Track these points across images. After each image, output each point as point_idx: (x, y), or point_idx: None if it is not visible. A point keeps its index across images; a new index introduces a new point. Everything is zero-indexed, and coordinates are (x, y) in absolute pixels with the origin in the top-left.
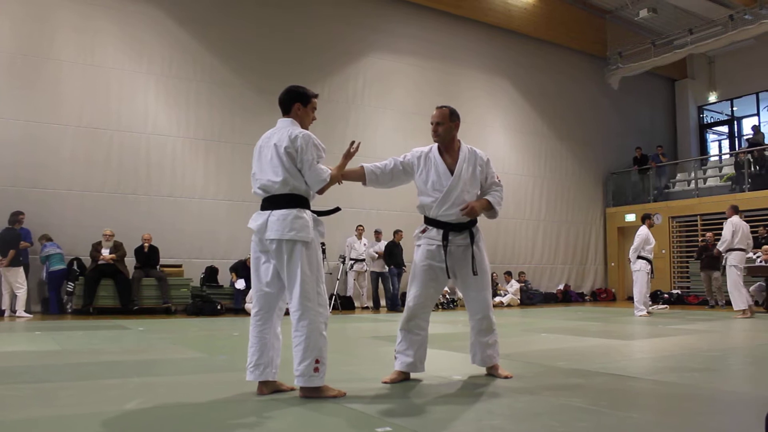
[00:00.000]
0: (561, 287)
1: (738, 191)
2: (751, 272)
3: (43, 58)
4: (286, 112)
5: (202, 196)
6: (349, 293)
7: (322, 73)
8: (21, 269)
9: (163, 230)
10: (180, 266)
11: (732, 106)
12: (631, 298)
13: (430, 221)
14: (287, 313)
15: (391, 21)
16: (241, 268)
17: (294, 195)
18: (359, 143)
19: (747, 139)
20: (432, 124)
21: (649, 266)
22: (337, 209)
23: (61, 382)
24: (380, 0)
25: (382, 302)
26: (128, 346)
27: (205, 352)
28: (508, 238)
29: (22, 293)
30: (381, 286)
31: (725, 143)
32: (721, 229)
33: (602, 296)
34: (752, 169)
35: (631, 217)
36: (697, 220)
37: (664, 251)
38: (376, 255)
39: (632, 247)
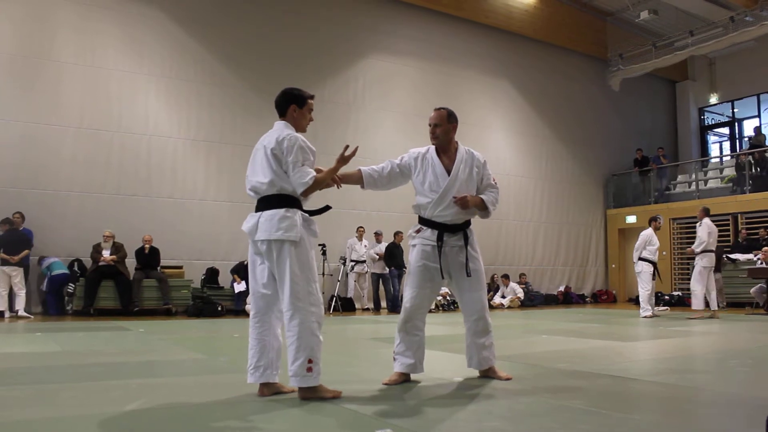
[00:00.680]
0: (562, 289)
1: (739, 193)
2: (752, 274)
3: (44, 59)
4: (282, 114)
5: (203, 198)
6: (350, 295)
7: (323, 75)
8: (22, 270)
9: (163, 231)
10: (181, 267)
11: (733, 108)
12: (631, 300)
13: (424, 221)
14: None
15: (392, 23)
16: (242, 270)
17: (282, 195)
18: (356, 147)
19: (749, 140)
20: (430, 126)
21: (652, 268)
22: (328, 207)
23: (61, 384)
24: (381, 1)
25: (383, 304)
26: (129, 347)
27: (206, 354)
28: (509, 239)
29: (23, 294)
30: (381, 287)
31: (726, 145)
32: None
33: (603, 298)
34: (753, 170)
35: (631, 219)
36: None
37: (665, 253)
38: (377, 256)
39: (635, 248)
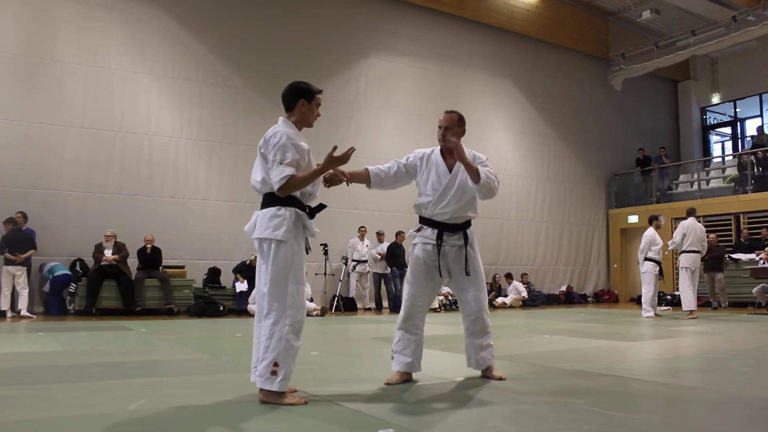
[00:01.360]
0: (564, 289)
1: (741, 193)
2: (754, 274)
3: (46, 59)
4: (289, 108)
5: (205, 197)
6: (352, 294)
7: (324, 74)
8: (26, 270)
9: (165, 231)
10: (182, 267)
11: (735, 108)
12: (633, 300)
13: (425, 221)
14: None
15: (393, 22)
16: (244, 270)
17: (273, 193)
18: (350, 149)
19: (752, 139)
20: (440, 128)
21: (657, 267)
22: (322, 206)
23: (63, 383)
24: (382, 1)
25: (385, 303)
26: (131, 347)
27: (208, 354)
28: (511, 239)
29: (26, 294)
30: (383, 287)
31: (728, 144)
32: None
33: (605, 298)
34: (755, 170)
35: (633, 219)
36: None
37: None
38: (379, 256)
39: (639, 249)
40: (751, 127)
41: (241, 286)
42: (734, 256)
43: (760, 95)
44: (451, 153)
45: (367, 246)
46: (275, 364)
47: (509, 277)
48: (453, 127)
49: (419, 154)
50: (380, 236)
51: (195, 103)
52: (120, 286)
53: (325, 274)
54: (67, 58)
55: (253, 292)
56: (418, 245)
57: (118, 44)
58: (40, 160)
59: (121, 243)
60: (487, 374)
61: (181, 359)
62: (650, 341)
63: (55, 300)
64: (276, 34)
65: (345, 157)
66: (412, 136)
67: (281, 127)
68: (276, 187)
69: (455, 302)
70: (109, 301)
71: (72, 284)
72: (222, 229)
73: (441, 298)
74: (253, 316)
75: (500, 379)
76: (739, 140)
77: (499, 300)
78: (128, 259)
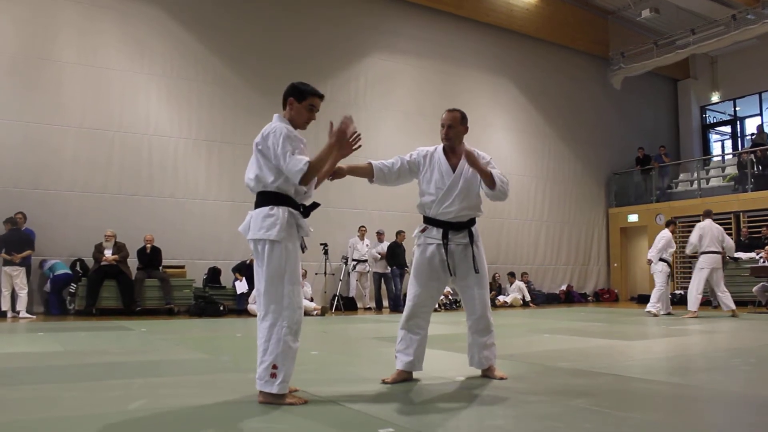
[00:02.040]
0: (564, 288)
1: (741, 191)
2: (755, 272)
3: (45, 59)
4: (284, 107)
5: (204, 197)
6: (352, 294)
7: (324, 74)
8: (24, 270)
9: (165, 231)
10: (182, 267)
11: (735, 106)
12: (633, 299)
13: (429, 220)
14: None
15: (393, 22)
16: (244, 269)
17: (266, 192)
18: (350, 119)
19: (751, 138)
20: (443, 126)
21: (669, 269)
22: (316, 205)
23: (64, 383)
24: (382, 1)
25: (385, 303)
26: (131, 347)
27: (208, 353)
28: (511, 238)
29: (24, 294)
30: (383, 286)
31: (728, 143)
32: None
33: (605, 297)
34: (755, 169)
35: (633, 218)
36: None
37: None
38: (379, 256)
39: (656, 249)
40: (750, 126)
41: (241, 286)
42: (734, 255)
43: (760, 94)
44: (453, 152)
45: (367, 245)
46: (274, 367)
47: (512, 276)
48: (456, 125)
49: (422, 152)
50: (380, 236)
51: (194, 103)
52: (120, 286)
53: (325, 273)
54: (67, 58)
55: (254, 292)
56: (423, 245)
57: (117, 44)
58: (39, 160)
59: (121, 243)
60: (488, 374)
61: (181, 359)
62: (651, 340)
63: (55, 300)
64: (275, 33)
65: (344, 134)
66: (412, 135)
67: (277, 122)
68: (298, 177)
69: (456, 301)
70: (109, 301)
71: (72, 284)
72: (222, 229)
73: (441, 297)
74: (253, 316)
75: (501, 379)
76: (739, 139)
77: (501, 299)
78: (128, 259)
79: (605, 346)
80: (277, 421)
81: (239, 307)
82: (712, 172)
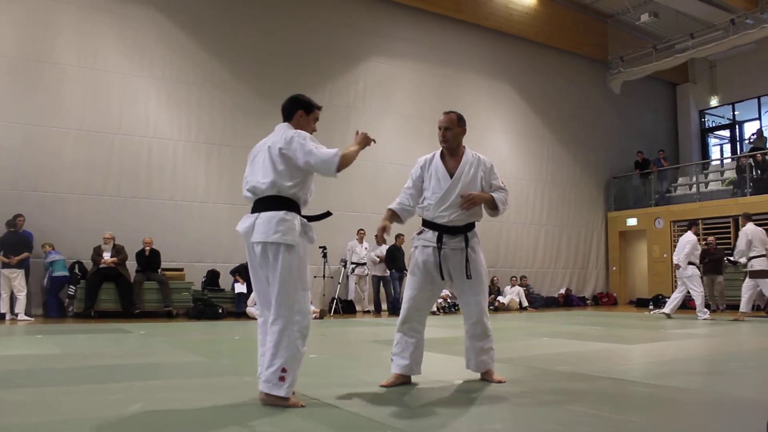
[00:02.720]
0: (562, 291)
1: (740, 195)
2: (753, 276)
3: (45, 62)
4: (288, 118)
5: (204, 200)
6: (351, 297)
7: (323, 77)
8: (23, 272)
9: (164, 234)
10: (181, 270)
11: (733, 111)
12: (632, 302)
13: (426, 223)
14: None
15: (392, 25)
16: (243, 272)
17: (281, 197)
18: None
19: (751, 141)
20: (440, 129)
21: (699, 271)
22: (328, 214)
23: (62, 386)
24: (381, 4)
25: (384, 306)
26: (129, 349)
27: (207, 356)
28: (510, 242)
29: (23, 296)
30: (382, 290)
31: (727, 147)
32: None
33: (604, 300)
34: (754, 173)
35: (632, 221)
36: (698, 225)
37: (665, 255)
38: (378, 259)
39: (684, 253)
40: (749, 130)
41: (240, 288)
42: (733, 258)
43: (759, 98)
44: (452, 155)
45: (365, 249)
46: (283, 370)
47: (513, 278)
48: (453, 127)
49: (420, 162)
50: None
51: (194, 106)
52: (119, 288)
53: (323, 276)
54: (66, 60)
55: (253, 295)
56: (419, 248)
57: (116, 47)
58: (38, 163)
59: (119, 245)
60: (486, 377)
61: (179, 362)
62: (649, 344)
63: (53, 302)
64: (275, 37)
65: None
66: (411, 139)
67: (293, 129)
68: (334, 162)
69: (454, 305)
70: (108, 304)
71: (71, 286)
72: (221, 232)
73: (440, 300)
74: (252, 319)
75: (500, 382)
76: (738, 143)
77: (500, 299)
78: (127, 262)
79: (604, 350)
80: (277, 424)
81: (238, 310)
82: (710, 176)
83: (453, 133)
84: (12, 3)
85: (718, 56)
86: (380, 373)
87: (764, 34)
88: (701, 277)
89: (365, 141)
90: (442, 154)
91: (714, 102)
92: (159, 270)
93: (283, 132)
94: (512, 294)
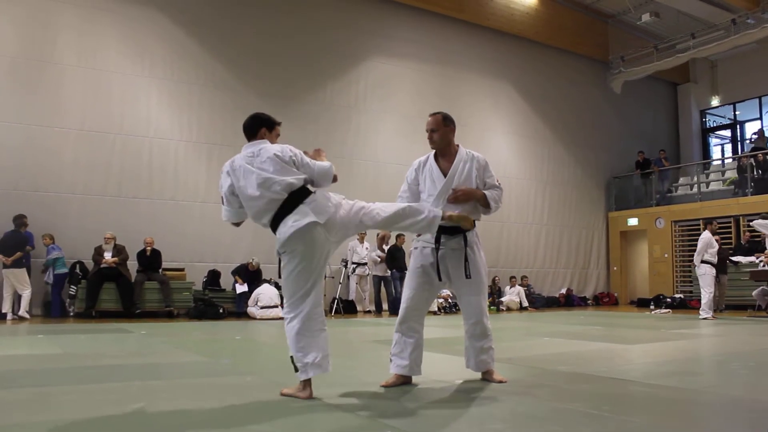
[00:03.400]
0: (563, 291)
1: (741, 195)
2: (754, 276)
3: (46, 62)
4: (252, 135)
5: (205, 200)
6: (352, 297)
7: (324, 77)
8: (25, 270)
9: (165, 234)
10: (182, 270)
11: (735, 110)
12: (633, 302)
13: None
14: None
15: (393, 25)
16: (244, 272)
17: (301, 187)
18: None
19: (752, 141)
20: (427, 131)
21: (714, 270)
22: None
23: (62, 386)
24: (382, 4)
25: (384, 306)
26: (130, 349)
27: (208, 356)
28: (511, 242)
29: (27, 294)
30: (383, 290)
31: (728, 147)
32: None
33: (605, 300)
34: (755, 173)
35: (633, 221)
36: (699, 225)
37: (666, 255)
38: (379, 259)
39: (696, 252)
40: (750, 130)
41: (241, 288)
42: (734, 258)
43: (760, 98)
44: (444, 155)
45: (366, 249)
46: None
47: (513, 278)
48: (439, 128)
49: (415, 164)
50: (380, 239)
51: (194, 106)
52: (119, 288)
53: (325, 276)
54: (67, 60)
55: (253, 295)
56: (417, 248)
57: (117, 47)
58: (39, 163)
59: (120, 245)
60: (487, 377)
61: (180, 362)
62: (649, 344)
63: (57, 301)
64: (276, 37)
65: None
66: (411, 139)
67: (274, 144)
68: (331, 174)
69: (455, 305)
70: (109, 304)
71: (71, 286)
72: (222, 232)
73: (440, 300)
74: (253, 318)
75: (500, 382)
76: (739, 143)
77: (502, 299)
78: (128, 262)
79: (604, 350)
80: (276, 424)
81: (239, 310)
82: (711, 176)
83: (440, 134)
84: (12, 3)
85: (719, 56)
86: (381, 373)
87: (765, 33)
88: (714, 277)
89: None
90: (435, 155)
91: (715, 102)
92: (160, 270)
93: (274, 145)
94: (512, 294)
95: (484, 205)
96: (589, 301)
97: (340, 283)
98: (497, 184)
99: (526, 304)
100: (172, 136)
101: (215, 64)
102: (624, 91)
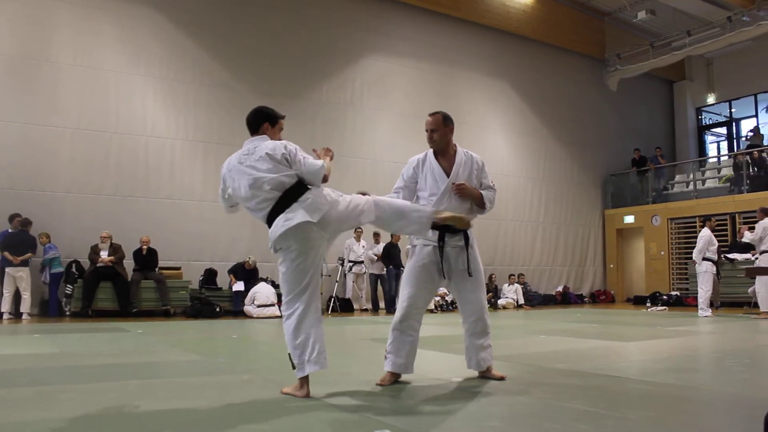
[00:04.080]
0: (560, 289)
1: (736, 193)
2: (750, 273)
3: (42, 60)
4: (255, 131)
5: (201, 198)
6: (348, 295)
7: (320, 75)
8: (28, 270)
9: (161, 232)
10: (179, 268)
11: (730, 108)
12: (630, 300)
13: None
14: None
15: (390, 23)
16: (240, 271)
17: (298, 182)
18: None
19: (747, 138)
20: (427, 131)
21: (715, 267)
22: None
23: (59, 385)
24: (378, 2)
25: (381, 304)
26: (127, 348)
27: (204, 355)
28: (507, 240)
29: (28, 295)
30: (380, 288)
31: (724, 145)
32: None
33: (601, 298)
34: (751, 170)
35: (629, 219)
36: (695, 222)
37: (662, 252)
38: (375, 257)
39: (696, 249)
40: (746, 128)
41: (237, 286)
42: (730, 256)
43: (755, 95)
44: (443, 154)
45: (363, 247)
46: None
47: (512, 276)
48: (439, 127)
49: (413, 162)
50: (377, 237)
51: (191, 105)
52: (116, 287)
53: (321, 275)
54: (63, 59)
55: (250, 294)
56: (418, 246)
57: (113, 45)
58: (35, 162)
59: (116, 244)
60: (486, 375)
61: (176, 361)
62: (646, 341)
63: (55, 301)
64: (272, 35)
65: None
66: (408, 137)
67: (275, 141)
68: (321, 173)
69: (452, 303)
70: (105, 303)
71: (68, 285)
72: (218, 231)
73: (437, 299)
74: (249, 317)
75: (500, 379)
76: (735, 140)
77: (500, 303)
78: (124, 261)
79: (601, 348)
80: (273, 423)
81: (235, 309)
82: (707, 174)
83: (440, 134)
84: (9, 1)
85: (715, 54)
86: (377, 371)
87: (761, 31)
88: (714, 275)
89: (329, 154)
90: (435, 154)
91: (711, 99)
92: (156, 269)
93: (270, 142)
94: (510, 292)
95: (480, 205)
96: (585, 299)
97: (336, 281)
98: (492, 185)
99: (522, 301)
100: (168, 134)
101: (212, 63)
102: (620, 89)
